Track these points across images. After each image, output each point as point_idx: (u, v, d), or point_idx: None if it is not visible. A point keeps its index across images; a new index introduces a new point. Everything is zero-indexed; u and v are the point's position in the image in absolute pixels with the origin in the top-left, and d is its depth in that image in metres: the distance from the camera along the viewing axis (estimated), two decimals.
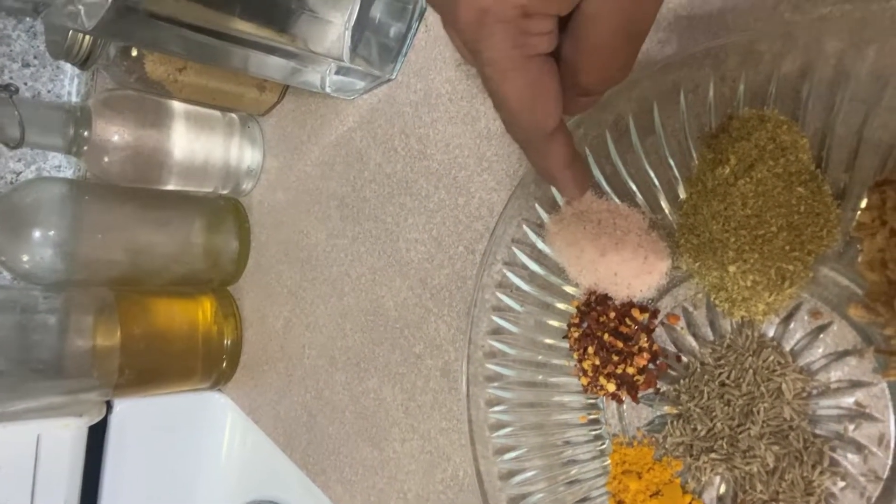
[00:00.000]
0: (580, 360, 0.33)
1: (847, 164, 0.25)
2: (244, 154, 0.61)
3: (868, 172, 0.24)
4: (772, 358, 0.26)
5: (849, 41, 0.25)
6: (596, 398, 0.33)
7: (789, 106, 0.26)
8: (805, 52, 0.26)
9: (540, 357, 0.35)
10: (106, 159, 0.54)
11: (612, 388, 0.31)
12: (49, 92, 0.63)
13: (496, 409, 0.35)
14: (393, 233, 0.47)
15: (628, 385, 0.31)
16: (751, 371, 0.27)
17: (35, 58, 0.62)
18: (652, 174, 0.31)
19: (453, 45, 0.27)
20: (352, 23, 0.46)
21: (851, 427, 0.25)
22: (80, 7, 0.36)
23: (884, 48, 0.24)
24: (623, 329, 0.31)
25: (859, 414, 0.25)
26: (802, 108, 0.26)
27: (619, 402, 0.32)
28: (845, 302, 0.25)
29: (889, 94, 0.24)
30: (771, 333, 0.27)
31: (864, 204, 0.24)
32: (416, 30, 0.47)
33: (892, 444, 0.24)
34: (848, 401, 0.25)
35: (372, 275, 0.48)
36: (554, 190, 0.34)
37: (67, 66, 0.64)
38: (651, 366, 0.31)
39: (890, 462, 0.24)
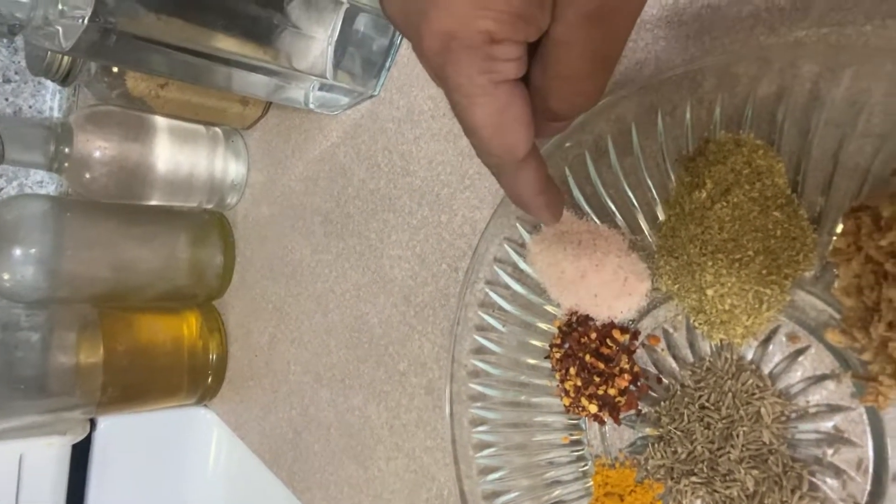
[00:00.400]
0: (562, 381, 0.33)
1: (823, 188, 0.25)
2: (228, 167, 0.61)
3: (844, 197, 0.24)
4: (751, 381, 0.26)
5: (824, 65, 0.25)
6: (578, 419, 0.33)
7: (765, 130, 0.26)
8: (781, 75, 0.26)
9: (523, 377, 0.35)
10: (87, 175, 0.53)
11: (593, 409, 0.31)
12: (31, 108, 0.63)
13: (480, 428, 0.35)
14: (377, 249, 0.46)
15: (610, 406, 0.31)
16: (730, 394, 0.27)
17: (16, 73, 0.61)
18: (631, 195, 0.31)
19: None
20: (335, 38, 0.46)
21: (830, 452, 0.25)
22: (58, 28, 0.35)
23: (859, 73, 0.24)
24: (604, 350, 0.31)
25: (838, 438, 0.25)
26: (778, 132, 0.26)
27: (602, 423, 0.32)
28: (823, 326, 0.25)
29: (864, 119, 0.24)
30: (750, 356, 0.27)
31: (839, 229, 0.24)
32: (399, 44, 0.47)
33: (871, 470, 0.24)
34: (827, 425, 0.25)
35: (356, 291, 0.48)
36: None
37: (49, 82, 0.64)
38: (632, 387, 0.31)
39: (868, 487, 0.24)
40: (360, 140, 0.48)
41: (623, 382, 0.31)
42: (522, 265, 0.35)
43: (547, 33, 0.20)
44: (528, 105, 0.21)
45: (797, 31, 0.26)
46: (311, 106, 0.49)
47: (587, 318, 0.32)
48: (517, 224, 0.35)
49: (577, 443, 0.33)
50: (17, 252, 0.52)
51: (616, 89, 0.32)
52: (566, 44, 0.20)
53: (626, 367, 0.31)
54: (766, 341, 0.27)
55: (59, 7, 0.34)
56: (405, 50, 0.45)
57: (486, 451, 0.35)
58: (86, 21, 0.34)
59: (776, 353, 0.26)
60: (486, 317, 0.36)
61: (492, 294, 0.35)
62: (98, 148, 0.53)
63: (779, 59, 0.25)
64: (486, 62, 0.19)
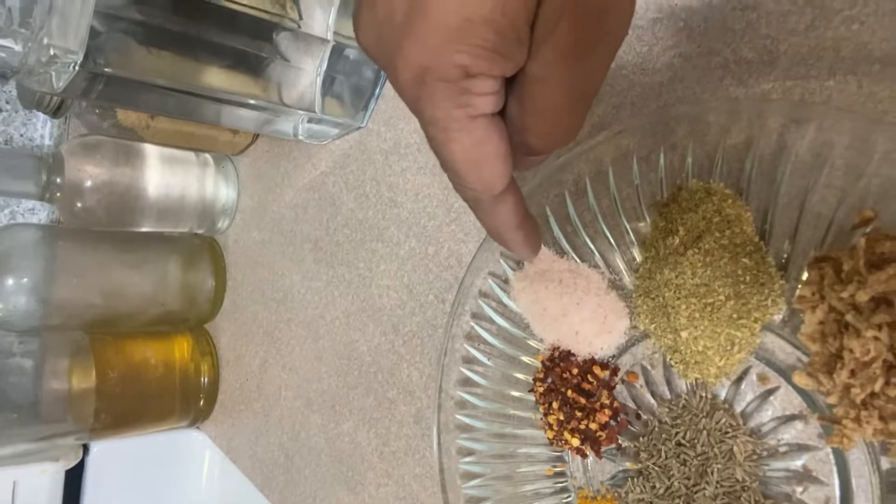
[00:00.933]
0: (546, 415, 0.33)
1: (789, 236, 0.26)
2: (219, 192, 0.62)
3: (809, 245, 0.25)
4: (724, 420, 0.27)
5: (789, 117, 0.26)
6: (561, 451, 0.34)
7: (734, 178, 0.27)
8: (749, 125, 0.27)
9: (508, 409, 0.36)
10: (79, 205, 0.54)
11: (576, 442, 0.32)
12: (22, 136, 0.64)
13: (467, 459, 0.36)
14: (366, 278, 0.47)
15: (591, 440, 0.32)
16: (705, 432, 0.28)
17: (7, 102, 0.62)
18: (609, 236, 0.32)
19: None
20: (323, 68, 0.47)
21: (800, 490, 0.26)
22: (52, 73, 0.36)
23: (822, 126, 0.25)
24: (585, 385, 0.32)
25: (807, 477, 0.26)
26: (746, 181, 0.27)
27: (584, 456, 0.33)
28: (791, 368, 0.26)
29: (826, 171, 0.25)
30: (723, 395, 0.28)
31: (805, 277, 0.25)
32: (386, 76, 0.47)
33: None
34: (796, 464, 0.26)
35: (346, 319, 0.49)
36: None
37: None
38: (612, 422, 0.32)
39: None
40: (348, 170, 0.49)
41: (604, 417, 0.32)
42: (506, 300, 0.35)
43: (524, 69, 0.19)
44: (505, 139, 0.21)
45: (764, 84, 0.27)
46: (301, 137, 0.50)
47: (569, 353, 0.33)
48: (501, 260, 0.36)
49: (561, 474, 0.34)
50: (10, 282, 0.53)
51: (594, 132, 0.33)
52: (543, 80, 0.19)
53: (607, 402, 0.32)
54: (739, 381, 0.28)
55: (51, 53, 0.35)
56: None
57: (473, 482, 0.36)
58: (77, 67, 0.35)
59: (748, 393, 0.27)
60: (471, 349, 0.36)
61: (477, 327, 0.36)
62: (89, 177, 0.54)
63: (747, 109, 0.27)
64: (461, 96, 0.19)
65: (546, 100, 0.20)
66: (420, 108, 0.20)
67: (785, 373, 0.26)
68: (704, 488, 0.27)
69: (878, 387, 0.22)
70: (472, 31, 0.18)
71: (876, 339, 0.22)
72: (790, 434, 0.26)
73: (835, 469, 0.25)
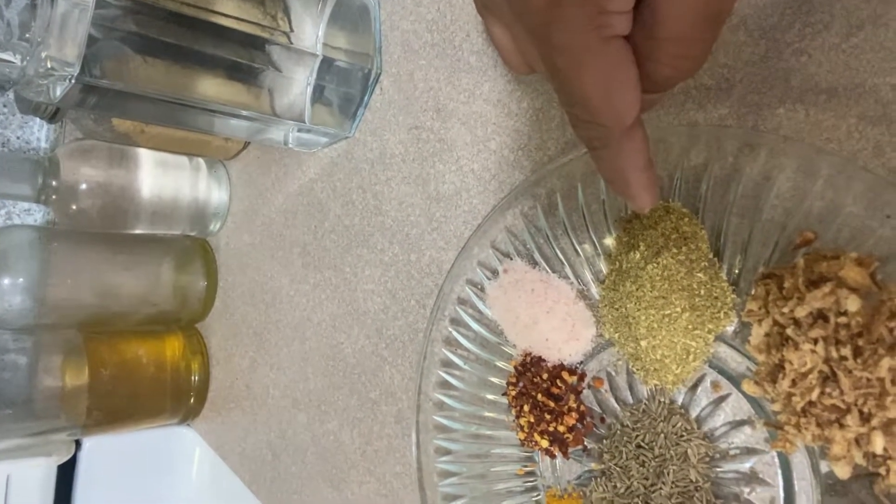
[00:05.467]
0: (517, 417, 0.35)
1: (740, 253, 0.28)
2: (211, 194, 0.63)
3: (758, 261, 0.27)
4: (680, 424, 0.29)
5: (744, 141, 0.28)
6: (532, 452, 0.36)
7: (691, 197, 0.29)
8: (707, 148, 0.28)
9: (483, 412, 0.37)
10: (74, 207, 0.56)
11: (545, 443, 0.34)
12: (19, 139, 0.65)
13: (444, 458, 0.38)
14: (351, 283, 0.49)
15: (559, 442, 0.34)
16: (662, 435, 0.29)
17: (4, 106, 0.63)
18: (578, 249, 0.33)
19: (496, 47, 0.24)
20: (313, 78, 0.49)
21: (747, 490, 0.27)
22: (49, 84, 0.38)
23: (772, 150, 0.27)
24: (554, 390, 0.34)
25: (754, 479, 0.27)
26: (702, 200, 0.28)
27: (552, 456, 0.34)
28: (740, 377, 0.28)
29: (775, 192, 0.27)
30: (680, 401, 0.30)
31: (753, 292, 0.27)
32: (373, 87, 0.49)
33: None
34: (745, 466, 0.28)
35: (332, 321, 0.51)
36: (494, 255, 0.37)
37: None
38: (579, 425, 0.33)
39: None
40: (336, 178, 0.51)
41: (571, 420, 0.33)
42: (482, 307, 0.37)
43: None
44: (634, 65, 0.20)
45: (721, 109, 0.29)
46: (291, 145, 0.51)
47: (540, 359, 0.35)
48: (478, 269, 0.37)
49: (531, 474, 0.36)
50: (6, 281, 0.54)
51: (567, 149, 0.35)
52: (675, 1, 0.18)
53: (574, 406, 0.33)
54: (694, 387, 0.29)
55: (49, 65, 0.36)
56: (378, 95, 0.48)
57: (449, 480, 0.37)
58: (73, 79, 0.36)
59: (702, 398, 0.29)
60: (449, 354, 0.38)
61: (455, 333, 0.38)
62: (84, 180, 0.55)
63: (705, 134, 0.28)
64: (597, 16, 0.18)
65: (678, 23, 0.19)
66: (549, 34, 0.19)
67: (735, 380, 0.28)
68: (661, 488, 0.29)
69: (814, 396, 0.24)
70: None
71: (812, 351, 0.24)
72: (740, 438, 0.28)
73: (779, 471, 0.27)
